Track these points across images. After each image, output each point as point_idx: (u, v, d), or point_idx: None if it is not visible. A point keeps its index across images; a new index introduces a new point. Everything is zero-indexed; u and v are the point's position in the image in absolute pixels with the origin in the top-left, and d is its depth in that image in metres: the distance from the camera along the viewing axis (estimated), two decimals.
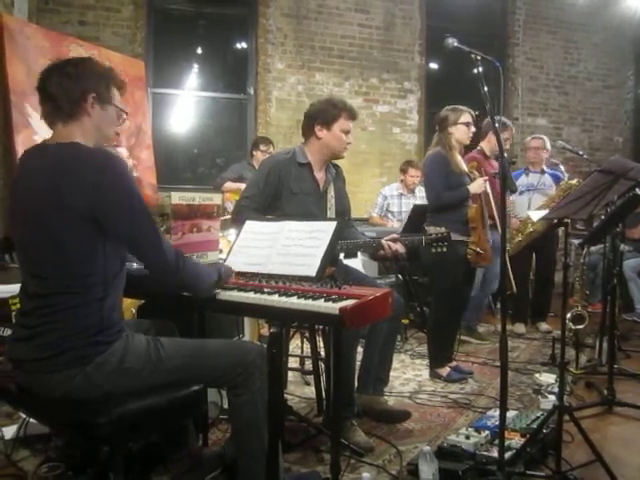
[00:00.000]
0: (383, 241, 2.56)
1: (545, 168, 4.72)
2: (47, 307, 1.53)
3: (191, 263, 1.71)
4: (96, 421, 1.49)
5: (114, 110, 1.68)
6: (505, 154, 2.05)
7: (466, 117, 3.32)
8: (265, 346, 1.82)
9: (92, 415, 1.50)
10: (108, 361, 1.54)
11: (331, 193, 2.68)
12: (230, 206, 4.52)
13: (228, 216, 4.00)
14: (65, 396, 1.53)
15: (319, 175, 2.65)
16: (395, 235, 2.62)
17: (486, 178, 3.38)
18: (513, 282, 3.81)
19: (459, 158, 3.36)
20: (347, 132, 2.59)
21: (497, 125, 2.05)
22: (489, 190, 3.44)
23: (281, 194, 2.55)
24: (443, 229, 2.68)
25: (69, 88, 1.58)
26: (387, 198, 5.34)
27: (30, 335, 1.55)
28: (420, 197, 5.22)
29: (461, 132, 3.32)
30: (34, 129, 4.03)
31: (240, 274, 1.97)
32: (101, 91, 1.63)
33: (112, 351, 1.56)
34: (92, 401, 1.53)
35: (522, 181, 4.67)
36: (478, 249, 3.24)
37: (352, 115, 2.61)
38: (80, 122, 1.61)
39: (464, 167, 3.36)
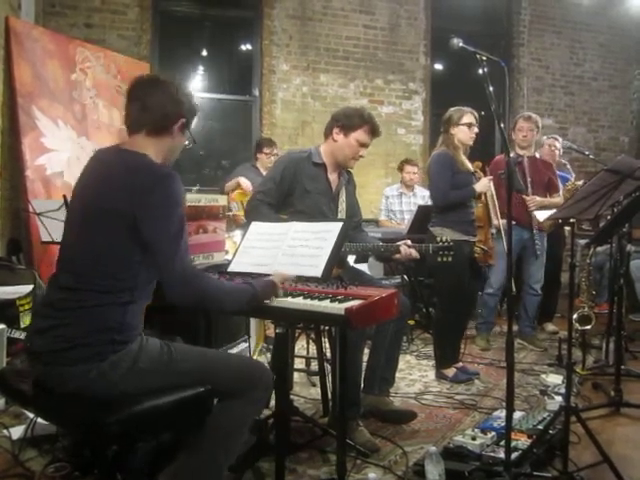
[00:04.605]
0: (402, 245, 2.57)
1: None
2: (73, 301, 1.57)
3: (213, 286, 1.68)
4: (104, 420, 1.50)
5: (188, 137, 1.79)
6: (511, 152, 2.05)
7: (468, 118, 3.30)
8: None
9: (101, 414, 1.51)
10: (123, 360, 1.57)
11: (342, 197, 2.71)
12: (235, 206, 4.52)
13: (229, 213, 4.02)
14: (78, 392, 1.54)
15: (332, 177, 2.67)
16: (408, 241, 2.62)
17: (491, 177, 3.38)
18: (513, 283, 3.80)
19: (464, 158, 3.35)
20: (363, 145, 2.59)
21: (502, 125, 2.05)
22: (493, 190, 3.44)
23: (295, 190, 2.56)
24: (449, 238, 2.67)
25: (169, 107, 1.69)
26: (389, 198, 5.36)
27: (50, 326, 1.57)
28: (421, 197, 5.23)
29: (463, 133, 3.30)
30: (41, 131, 4.05)
31: (246, 275, 1.98)
32: (189, 118, 1.75)
33: (127, 351, 1.58)
34: (104, 398, 1.54)
35: None
36: (485, 247, 3.24)
37: (374, 131, 2.59)
38: (161, 140, 1.70)
39: (469, 166, 3.36)
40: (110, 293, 1.56)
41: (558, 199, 4.05)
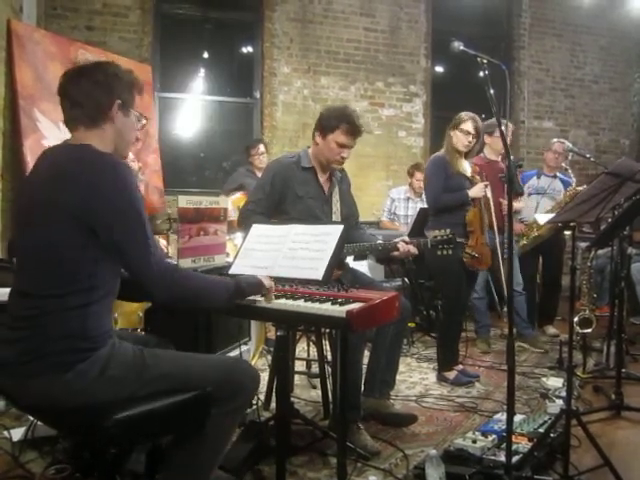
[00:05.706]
0: (399, 242, 2.57)
1: (558, 173, 4.70)
2: (33, 309, 1.50)
3: (193, 277, 1.66)
4: (99, 424, 1.48)
5: (135, 114, 1.69)
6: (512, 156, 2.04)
7: (466, 125, 3.29)
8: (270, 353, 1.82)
9: (96, 418, 1.49)
10: (90, 368, 1.50)
11: (336, 197, 2.69)
12: (233, 212, 4.50)
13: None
14: (42, 403, 1.49)
15: (323, 179, 2.66)
16: (405, 237, 2.63)
17: (487, 183, 3.36)
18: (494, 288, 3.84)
19: (461, 161, 3.35)
20: (342, 146, 2.53)
21: (503, 128, 2.05)
22: (489, 195, 3.43)
23: (286, 197, 2.55)
24: (448, 231, 2.67)
25: (98, 95, 1.59)
26: (394, 201, 5.34)
27: (14, 338, 1.51)
28: None
29: (457, 138, 3.31)
30: (42, 133, 4.06)
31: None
32: (125, 97, 1.64)
33: (95, 358, 1.51)
34: (70, 408, 1.49)
35: (532, 183, 4.66)
36: (474, 253, 3.22)
37: (352, 131, 2.51)
38: (102, 128, 1.61)
39: (465, 170, 3.35)
40: (64, 296, 1.48)
41: (521, 204, 4.40)
